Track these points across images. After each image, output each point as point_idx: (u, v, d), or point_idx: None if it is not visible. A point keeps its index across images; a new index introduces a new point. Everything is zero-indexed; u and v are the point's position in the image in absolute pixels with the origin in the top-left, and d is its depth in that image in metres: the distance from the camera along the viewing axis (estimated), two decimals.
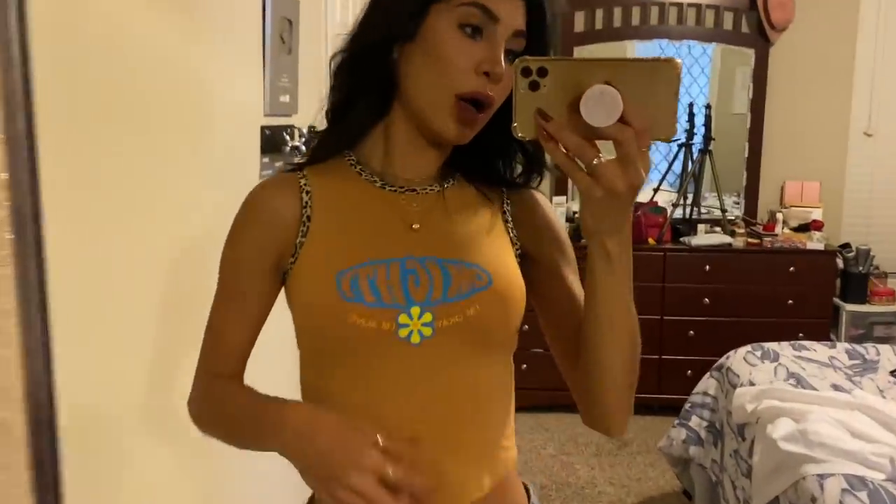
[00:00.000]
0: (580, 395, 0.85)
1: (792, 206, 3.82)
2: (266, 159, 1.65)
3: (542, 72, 0.67)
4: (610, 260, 0.72)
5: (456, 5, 0.78)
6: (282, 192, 0.86)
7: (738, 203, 3.95)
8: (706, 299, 3.56)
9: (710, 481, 2.50)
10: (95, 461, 1.01)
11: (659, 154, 3.93)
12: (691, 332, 3.56)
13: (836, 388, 2.33)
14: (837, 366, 2.56)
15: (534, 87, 0.67)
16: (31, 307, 0.75)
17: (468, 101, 0.80)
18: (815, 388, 2.29)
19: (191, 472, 1.35)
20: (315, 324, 0.82)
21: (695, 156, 3.75)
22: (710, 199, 3.90)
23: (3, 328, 0.73)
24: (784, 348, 2.62)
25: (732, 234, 3.67)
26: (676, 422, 2.62)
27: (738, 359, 2.54)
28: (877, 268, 3.70)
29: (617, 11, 3.83)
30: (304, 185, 0.86)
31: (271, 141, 1.66)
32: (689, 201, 3.82)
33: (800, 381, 2.35)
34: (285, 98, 1.73)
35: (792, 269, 3.53)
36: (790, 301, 3.53)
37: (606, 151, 0.67)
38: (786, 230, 3.69)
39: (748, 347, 2.60)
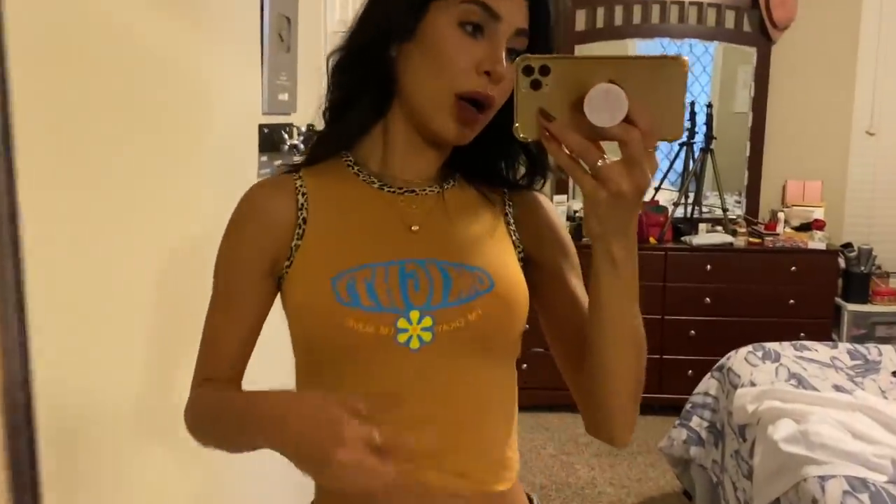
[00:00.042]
0: (584, 401, 0.84)
1: (793, 206, 3.81)
2: (264, 158, 1.64)
3: (545, 70, 0.65)
4: (615, 264, 0.70)
5: (456, 3, 0.77)
6: (277, 194, 0.84)
7: (739, 202, 3.94)
8: (707, 299, 3.55)
9: (710, 482, 2.49)
10: (76, 462, 0.99)
11: (660, 153, 3.89)
12: (692, 331, 3.56)
13: (837, 388, 2.32)
14: (839, 366, 2.55)
15: (536, 86, 0.65)
16: (8, 307, 0.74)
17: (468, 101, 0.78)
18: (816, 389, 2.28)
19: (183, 473, 1.34)
20: (310, 329, 0.80)
21: (696, 155, 3.74)
22: (711, 199, 3.89)
23: None
24: (785, 348, 2.61)
25: (734, 233, 3.66)
26: (677, 422, 2.61)
27: (739, 359, 2.53)
28: (879, 267, 3.69)
29: (618, 10, 3.82)
30: (300, 186, 0.84)
31: (270, 139, 1.65)
32: (690, 200, 3.81)
33: (801, 382, 2.34)
34: (284, 96, 1.72)
35: (793, 268, 3.52)
36: (792, 301, 3.52)
37: (611, 152, 0.65)
38: (787, 229, 3.67)
39: (749, 348, 2.59)
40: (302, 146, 1.69)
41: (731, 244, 3.58)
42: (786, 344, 2.65)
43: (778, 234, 3.62)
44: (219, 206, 0.97)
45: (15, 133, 0.73)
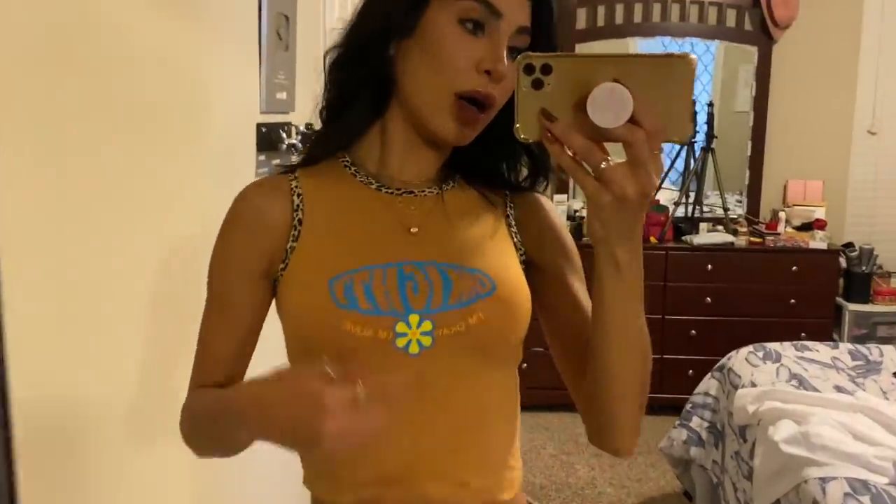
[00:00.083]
0: (586, 406, 0.81)
1: (795, 205, 3.80)
2: (262, 157, 1.63)
3: (546, 69, 0.63)
4: (619, 268, 0.68)
5: None
6: (271, 194, 0.82)
7: (740, 202, 3.93)
8: (708, 298, 3.54)
9: (710, 483, 2.48)
10: (56, 469, 0.97)
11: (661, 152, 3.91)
12: (693, 331, 3.55)
13: (838, 389, 2.31)
14: (840, 367, 2.54)
15: (537, 85, 0.63)
16: None
17: (468, 101, 0.76)
18: (817, 390, 2.28)
19: (182, 474, 1.32)
20: (307, 332, 0.78)
21: (697, 154, 3.73)
22: (712, 198, 3.88)
23: None
24: (786, 349, 2.60)
25: (735, 232, 3.65)
26: (677, 422, 2.60)
27: (739, 359, 2.52)
28: (880, 267, 3.68)
29: (619, 8, 3.80)
30: (296, 187, 0.83)
31: (267, 138, 1.63)
32: (691, 200, 3.80)
33: (802, 383, 2.33)
34: (282, 95, 1.70)
35: (794, 268, 3.51)
36: (793, 300, 3.51)
37: (615, 154, 0.64)
38: (788, 229, 3.66)
39: (750, 348, 2.58)
40: (300, 145, 1.68)
41: (732, 244, 3.57)
42: (787, 344, 2.64)
43: (779, 234, 3.61)
44: (216, 205, 0.95)
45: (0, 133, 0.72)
